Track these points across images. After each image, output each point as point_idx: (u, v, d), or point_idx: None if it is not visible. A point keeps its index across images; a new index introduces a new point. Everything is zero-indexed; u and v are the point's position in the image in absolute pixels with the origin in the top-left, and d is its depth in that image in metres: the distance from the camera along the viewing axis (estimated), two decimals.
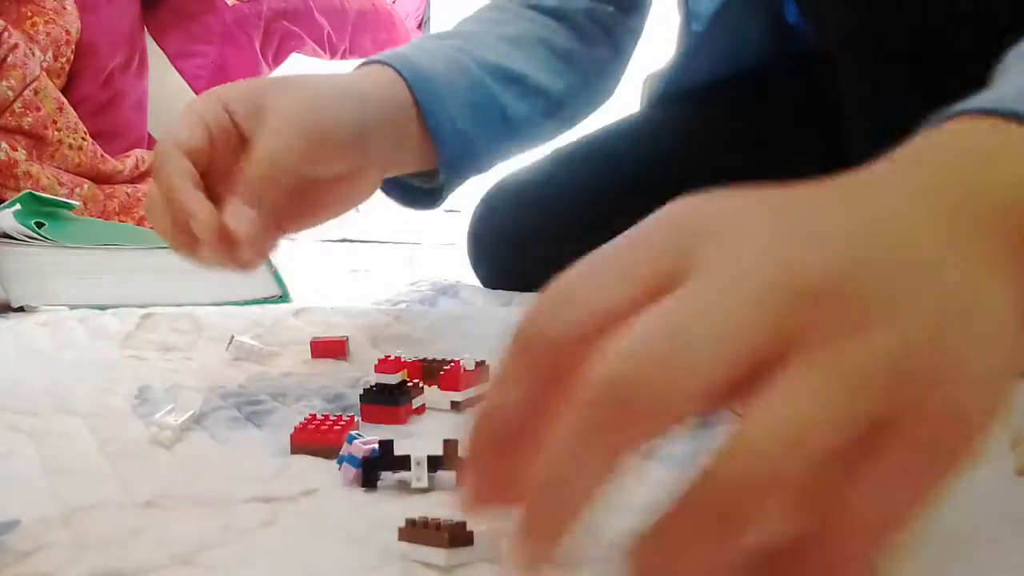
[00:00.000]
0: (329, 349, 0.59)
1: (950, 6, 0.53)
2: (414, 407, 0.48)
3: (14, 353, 0.63)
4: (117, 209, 1.26)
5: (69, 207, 0.88)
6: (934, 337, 0.23)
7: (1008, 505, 0.35)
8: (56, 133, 1.21)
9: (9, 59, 1.16)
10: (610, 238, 0.26)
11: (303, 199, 0.55)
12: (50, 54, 1.25)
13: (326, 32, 1.69)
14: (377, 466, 0.38)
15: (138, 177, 1.33)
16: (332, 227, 0.90)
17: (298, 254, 1.00)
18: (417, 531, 0.31)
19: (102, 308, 0.76)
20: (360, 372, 0.55)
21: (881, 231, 0.25)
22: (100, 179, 1.26)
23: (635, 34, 0.79)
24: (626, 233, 0.25)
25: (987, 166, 0.28)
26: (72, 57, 1.28)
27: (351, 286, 0.93)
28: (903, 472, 0.23)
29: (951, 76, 0.53)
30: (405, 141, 0.61)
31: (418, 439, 0.44)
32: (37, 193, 0.87)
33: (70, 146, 1.22)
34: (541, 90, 0.69)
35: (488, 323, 0.63)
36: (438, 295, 0.83)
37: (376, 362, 0.49)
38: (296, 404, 0.50)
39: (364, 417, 0.48)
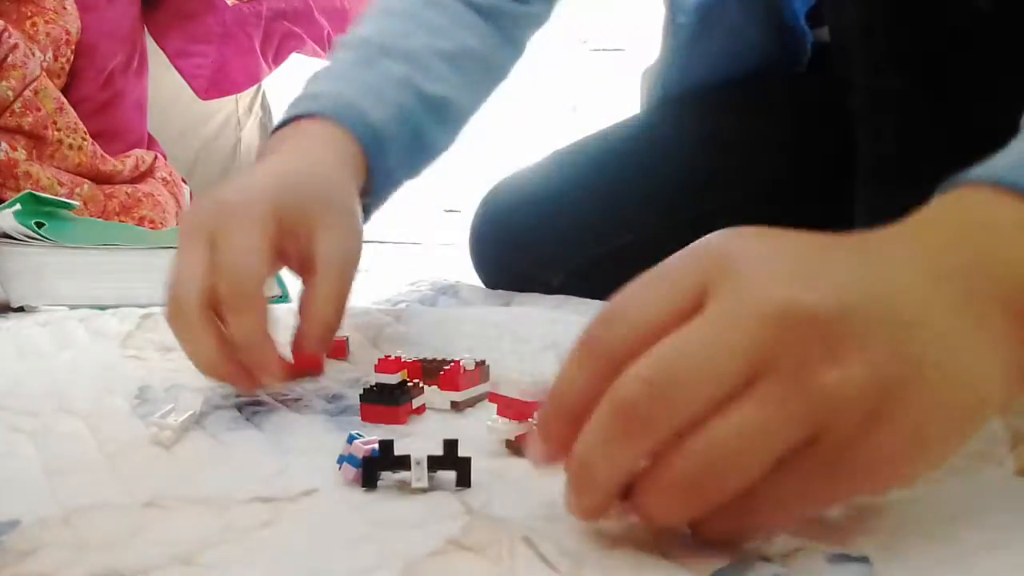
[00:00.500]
0: (329, 349, 0.59)
1: (970, 6, 0.52)
2: (414, 407, 0.48)
3: (14, 353, 0.63)
4: (117, 209, 1.26)
5: (69, 207, 0.88)
6: (905, 378, 0.28)
7: (1008, 505, 0.35)
8: (56, 133, 1.21)
9: (9, 59, 1.16)
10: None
11: None
12: (50, 54, 1.24)
13: (326, 32, 1.68)
14: (377, 466, 0.38)
15: (138, 177, 1.33)
16: None
17: None
18: None
19: (102, 308, 0.76)
20: (360, 372, 0.55)
21: (878, 282, 0.30)
22: (100, 179, 1.26)
23: (534, 27, 0.77)
24: (670, 259, 0.31)
25: (990, 237, 0.31)
26: (72, 57, 1.28)
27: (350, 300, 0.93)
28: (827, 475, 0.29)
29: (968, 77, 0.53)
30: None
31: (418, 439, 0.44)
32: (37, 193, 0.87)
33: (70, 146, 1.22)
34: (463, 113, 0.70)
35: (488, 323, 0.63)
36: (438, 295, 0.83)
37: (376, 362, 0.49)
38: (296, 404, 0.50)
39: (364, 417, 0.48)
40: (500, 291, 0.81)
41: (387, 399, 0.47)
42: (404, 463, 0.37)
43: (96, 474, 0.40)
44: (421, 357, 0.52)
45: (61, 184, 1.20)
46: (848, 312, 0.28)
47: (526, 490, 0.37)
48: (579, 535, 0.33)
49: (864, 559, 0.31)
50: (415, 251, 1.14)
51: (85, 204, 1.19)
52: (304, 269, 0.52)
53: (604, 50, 2.76)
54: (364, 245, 0.57)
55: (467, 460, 0.37)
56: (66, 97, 1.25)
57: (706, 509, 0.29)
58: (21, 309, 0.78)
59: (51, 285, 0.79)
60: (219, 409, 0.49)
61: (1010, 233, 0.31)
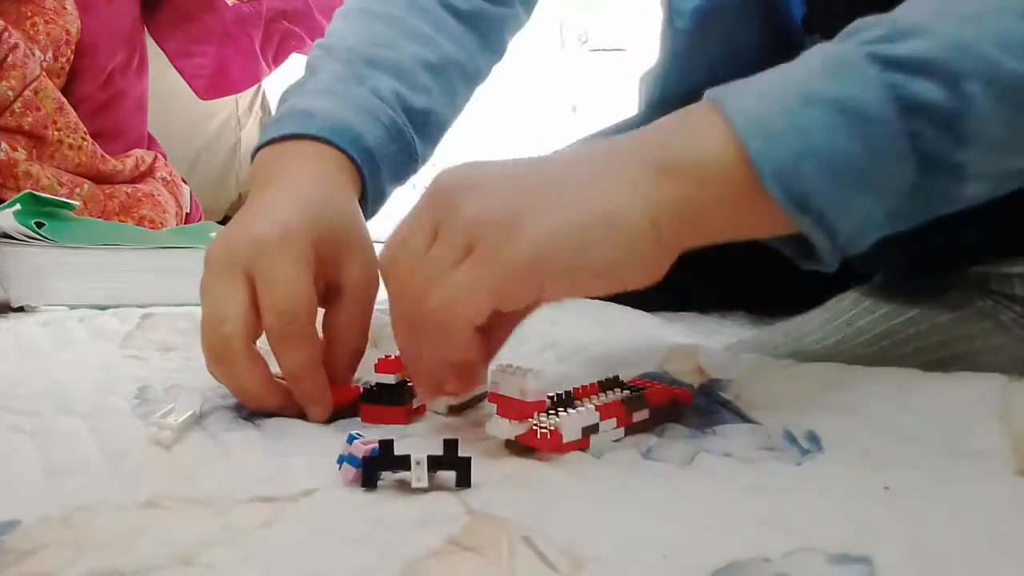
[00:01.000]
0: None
1: None
2: (414, 407, 0.48)
3: (14, 353, 0.63)
4: (117, 209, 1.26)
5: (69, 207, 0.88)
6: (535, 194, 0.41)
7: (1008, 505, 0.35)
8: (56, 133, 1.21)
9: (9, 59, 1.16)
10: None
11: None
12: (50, 54, 1.24)
13: (316, 42, 1.69)
14: (377, 466, 0.38)
15: (138, 177, 1.33)
16: None
17: None
18: None
19: (102, 308, 0.76)
20: (360, 372, 0.55)
21: (533, 161, 0.44)
22: (100, 179, 1.26)
23: (513, 30, 0.77)
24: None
25: (667, 125, 0.43)
26: (72, 57, 1.28)
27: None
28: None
29: None
30: None
31: (418, 439, 0.44)
32: (37, 193, 0.87)
33: (70, 146, 1.22)
34: (445, 125, 0.70)
35: None
36: None
37: (376, 362, 0.49)
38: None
39: (364, 417, 0.48)
40: None
41: (387, 399, 0.47)
42: (404, 463, 0.37)
43: (96, 474, 0.40)
44: None
45: (61, 184, 1.20)
46: (485, 176, 0.42)
47: (526, 490, 0.37)
48: (579, 535, 0.33)
49: (864, 559, 0.30)
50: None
51: (85, 204, 1.20)
52: (327, 296, 0.53)
53: (604, 50, 2.77)
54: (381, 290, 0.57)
55: (467, 460, 0.37)
56: (66, 97, 1.25)
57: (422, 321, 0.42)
58: (21, 309, 0.78)
59: (51, 285, 0.79)
60: (219, 409, 0.49)
61: (681, 123, 0.42)
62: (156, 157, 1.38)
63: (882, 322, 0.56)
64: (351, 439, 0.39)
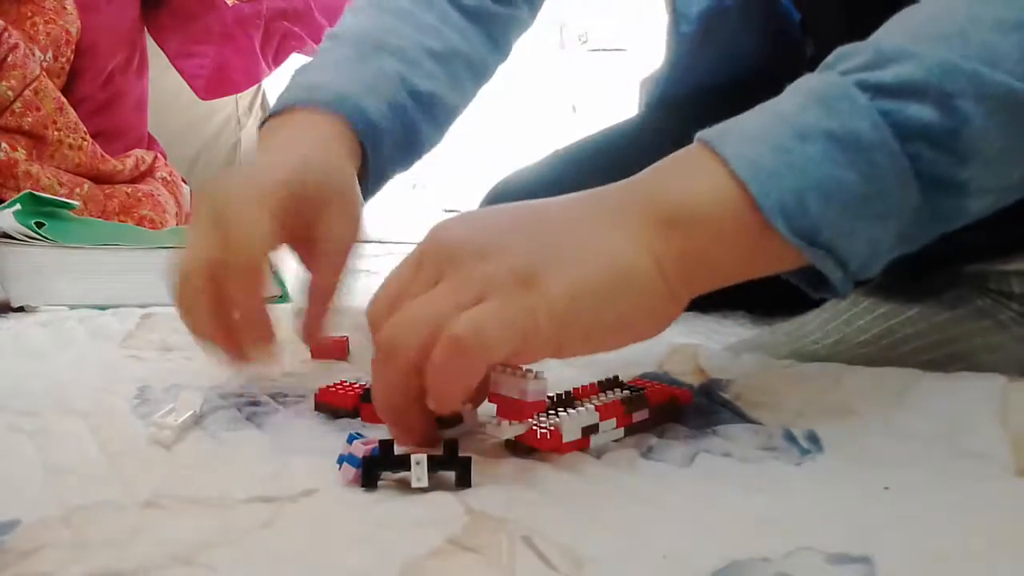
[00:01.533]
0: (329, 349, 0.59)
1: None
2: None
3: (14, 353, 0.63)
4: (117, 209, 1.26)
5: (69, 207, 0.88)
6: (546, 256, 0.39)
7: (1008, 505, 0.35)
8: (56, 133, 1.21)
9: (9, 59, 1.16)
10: None
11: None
12: (50, 54, 1.24)
13: (326, 32, 1.69)
14: (377, 466, 0.38)
15: (138, 177, 1.33)
16: None
17: None
18: None
19: (102, 308, 0.76)
20: (360, 372, 0.55)
21: (528, 208, 0.43)
22: (100, 179, 1.26)
23: (518, 31, 0.78)
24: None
25: (662, 169, 0.43)
26: (72, 57, 1.28)
27: (352, 286, 0.92)
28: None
29: None
30: None
31: None
32: (37, 193, 0.87)
33: (70, 146, 1.22)
34: (452, 112, 0.71)
35: None
36: None
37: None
38: (296, 404, 0.50)
39: (364, 417, 0.48)
40: None
41: None
42: (404, 463, 0.37)
43: (96, 474, 0.40)
44: None
45: (61, 184, 1.20)
46: (491, 234, 0.40)
47: (526, 490, 0.37)
48: (579, 535, 0.33)
49: (864, 559, 0.30)
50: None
51: (85, 204, 1.19)
52: (309, 255, 0.55)
53: (604, 50, 2.77)
54: (365, 246, 0.57)
55: (467, 460, 0.37)
56: (66, 97, 1.25)
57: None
58: (21, 309, 0.78)
59: (51, 285, 0.79)
60: (219, 409, 0.49)
61: (676, 169, 0.42)
62: (156, 157, 1.38)
63: (881, 322, 0.57)
64: (351, 439, 0.39)
